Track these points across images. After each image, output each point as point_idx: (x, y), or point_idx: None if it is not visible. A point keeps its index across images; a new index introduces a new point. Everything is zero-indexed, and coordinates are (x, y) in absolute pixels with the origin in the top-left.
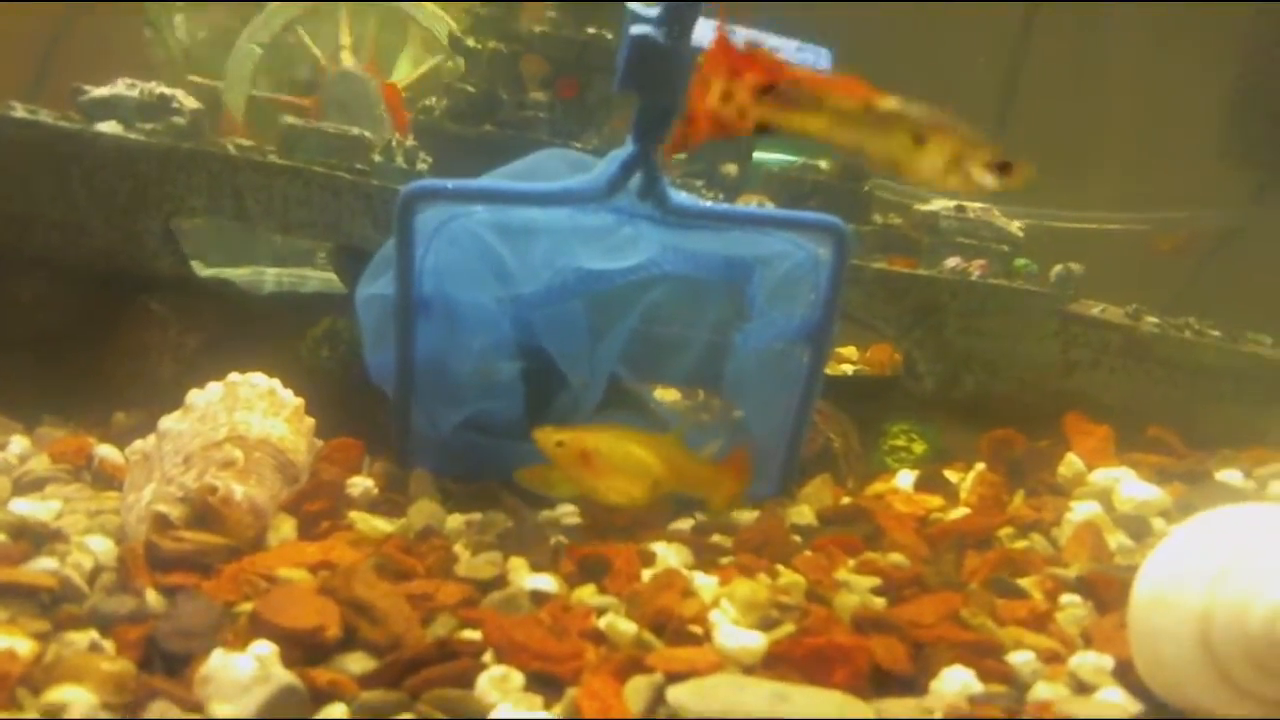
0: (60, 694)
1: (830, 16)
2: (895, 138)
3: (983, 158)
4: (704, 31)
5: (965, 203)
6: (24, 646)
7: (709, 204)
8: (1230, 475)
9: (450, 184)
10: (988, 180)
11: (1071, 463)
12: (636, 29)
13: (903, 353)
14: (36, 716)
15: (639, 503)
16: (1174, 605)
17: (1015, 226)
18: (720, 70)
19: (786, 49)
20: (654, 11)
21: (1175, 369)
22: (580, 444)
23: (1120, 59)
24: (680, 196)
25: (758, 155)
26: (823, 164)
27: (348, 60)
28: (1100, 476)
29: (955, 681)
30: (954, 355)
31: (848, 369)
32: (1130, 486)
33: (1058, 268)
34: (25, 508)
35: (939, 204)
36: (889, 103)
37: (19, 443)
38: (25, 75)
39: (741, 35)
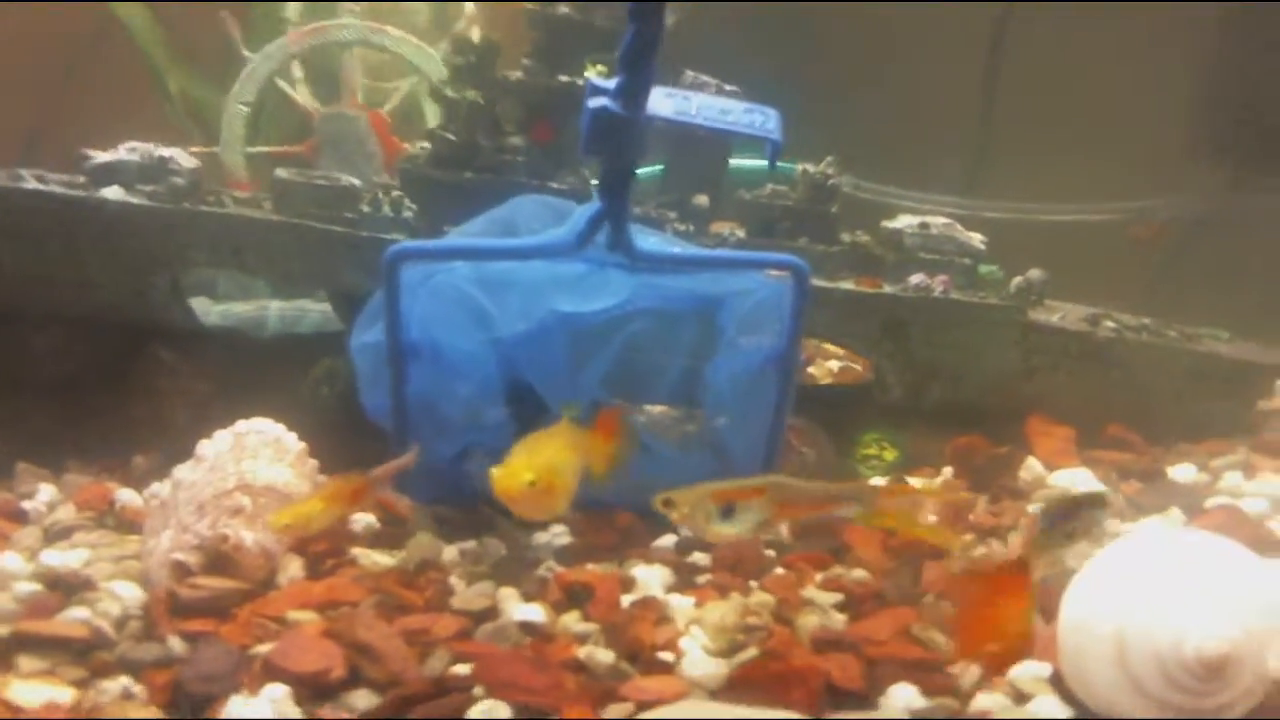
0: None
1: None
2: None
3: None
4: (657, 99)
5: (928, 219)
6: (65, 696)
7: (675, 250)
8: (1184, 470)
9: (431, 244)
10: None
11: (1031, 466)
12: (594, 101)
13: (872, 365)
14: None
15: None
16: (1093, 629)
17: (977, 239)
18: None
19: (735, 110)
20: (610, 84)
21: (1132, 371)
22: (548, 478)
23: (1093, 55)
24: (648, 243)
25: (734, 162)
26: (799, 168)
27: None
28: (1059, 478)
29: (900, 697)
30: (920, 366)
31: (834, 365)
32: (1084, 488)
33: (1017, 279)
34: (56, 559)
35: (904, 220)
36: None
37: (47, 490)
38: (27, 124)
39: (696, 99)
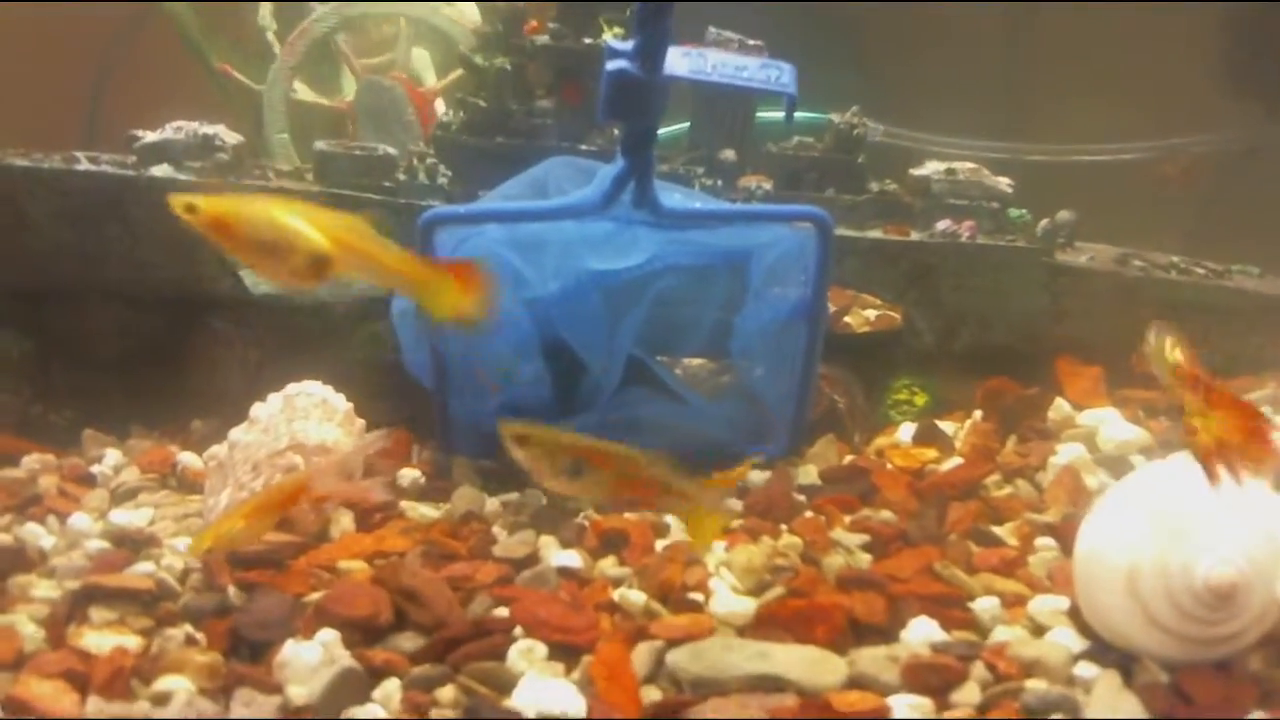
0: (165, 683)
1: None
2: None
3: None
4: (673, 58)
5: (955, 165)
6: (133, 643)
7: (699, 206)
8: None
9: (462, 209)
10: None
11: (1059, 406)
12: (612, 64)
13: (903, 312)
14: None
15: (303, 282)
16: (1107, 560)
17: (1004, 183)
18: None
19: (750, 67)
20: (628, 46)
21: (1162, 309)
22: (216, 208)
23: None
24: (673, 200)
25: (761, 115)
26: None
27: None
28: (1087, 418)
29: (920, 631)
30: (949, 311)
31: (871, 313)
32: (1111, 427)
33: (1044, 221)
34: (123, 518)
35: (930, 167)
36: None
37: (113, 455)
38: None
39: (712, 57)
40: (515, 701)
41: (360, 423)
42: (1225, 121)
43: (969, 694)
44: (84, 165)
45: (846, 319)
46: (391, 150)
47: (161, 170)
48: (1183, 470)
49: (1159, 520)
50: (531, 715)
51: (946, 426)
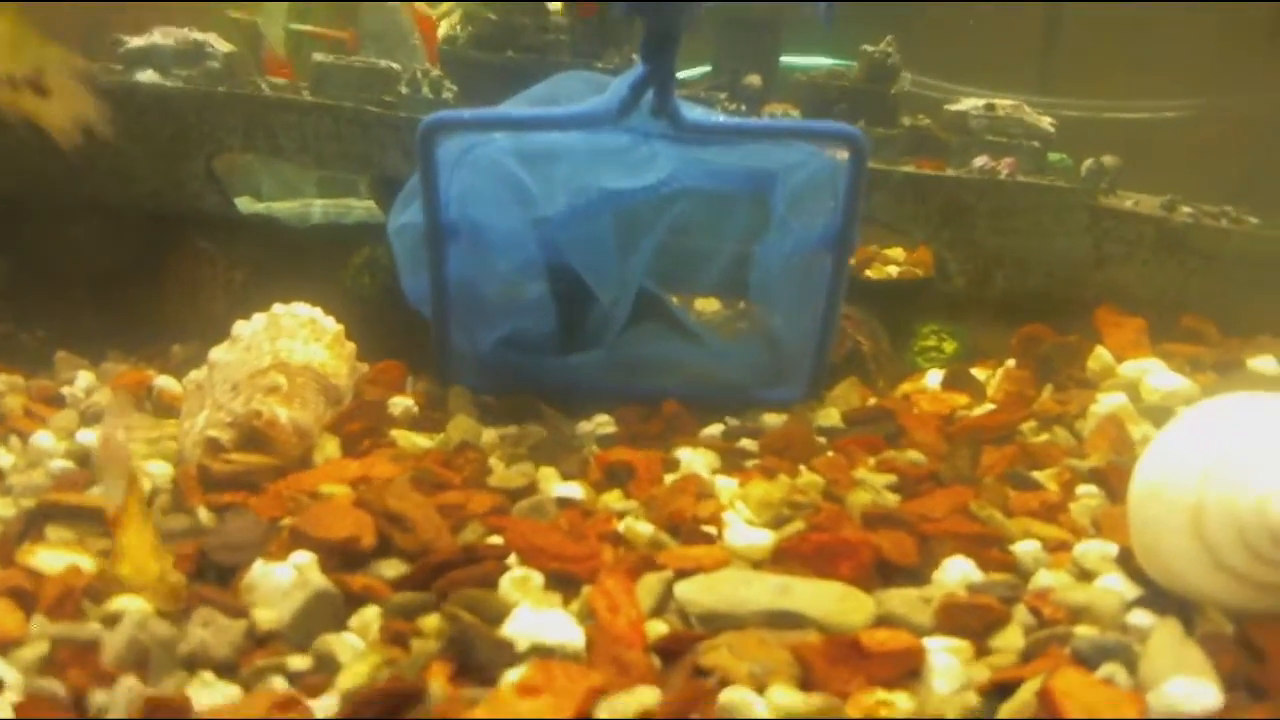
0: (118, 603)
1: None
2: None
3: None
4: None
5: (995, 100)
6: (87, 563)
7: (722, 119)
8: (1264, 363)
9: (467, 114)
10: None
11: (1100, 356)
12: None
13: (934, 254)
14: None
15: None
16: (1167, 497)
17: (1046, 122)
18: None
19: None
20: None
21: (1210, 259)
22: None
23: None
24: (694, 113)
25: (785, 60)
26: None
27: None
28: (1130, 368)
29: (956, 571)
30: (984, 254)
31: (893, 270)
32: (1157, 377)
33: (1088, 161)
34: (90, 438)
35: (968, 103)
36: None
37: (85, 377)
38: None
39: None
40: (507, 632)
41: (351, 346)
42: (1267, 83)
43: (1011, 638)
44: None
45: (868, 273)
46: (394, 65)
47: (147, 77)
48: (1253, 402)
49: (1228, 454)
50: (525, 646)
51: (978, 374)
